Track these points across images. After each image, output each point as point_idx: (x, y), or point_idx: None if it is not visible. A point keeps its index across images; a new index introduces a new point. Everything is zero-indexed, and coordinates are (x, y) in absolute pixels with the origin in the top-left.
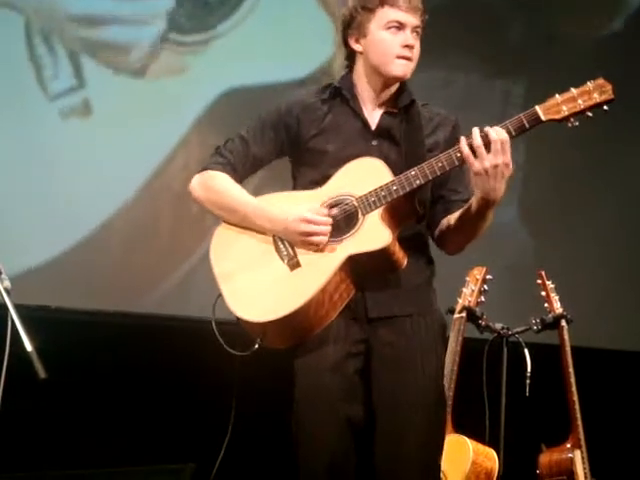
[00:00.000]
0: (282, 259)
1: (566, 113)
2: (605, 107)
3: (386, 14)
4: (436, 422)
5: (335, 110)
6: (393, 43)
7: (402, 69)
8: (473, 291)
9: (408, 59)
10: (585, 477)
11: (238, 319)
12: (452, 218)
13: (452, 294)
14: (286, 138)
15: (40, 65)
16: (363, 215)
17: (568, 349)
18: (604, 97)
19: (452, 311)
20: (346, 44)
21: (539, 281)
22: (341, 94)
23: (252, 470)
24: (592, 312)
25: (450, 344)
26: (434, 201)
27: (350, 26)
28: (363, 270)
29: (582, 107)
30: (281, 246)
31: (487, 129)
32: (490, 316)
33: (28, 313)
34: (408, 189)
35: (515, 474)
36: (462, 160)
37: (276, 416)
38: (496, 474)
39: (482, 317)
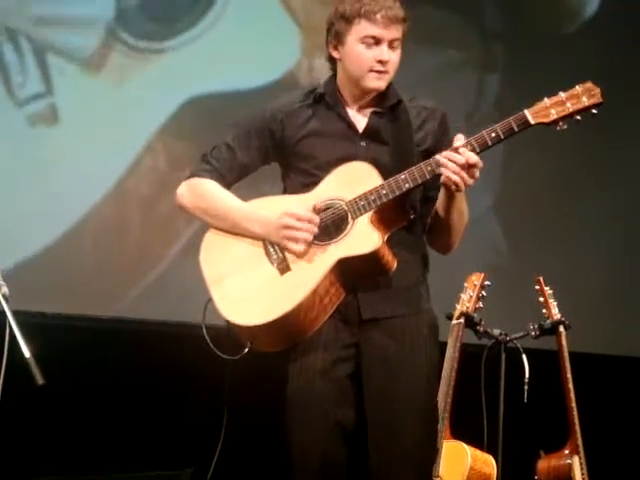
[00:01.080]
0: (272, 263)
1: (555, 117)
2: (594, 110)
3: (363, 28)
4: (428, 423)
5: (319, 114)
6: (368, 57)
7: (375, 83)
8: (471, 297)
9: (382, 73)
10: None
11: (228, 323)
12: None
13: (450, 300)
14: (271, 144)
15: (8, 72)
16: (353, 219)
17: (566, 355)
18: (593, 100)
19: (450, 317)
20: (327, 49)
21: (537, 287)
22: (324, 99)
23: (248, 473)
24: (590, 318)
25: (448, 350)
26: (424, 202)
27: (330, 32)
28: (353, 273)
29: (571, 110)
30: (271, 250)
31: (466, 154)
32: (488, 322)
33: (26, 319)
34: (397, 193)
35: None
36: None
37: (270, 419)
38: None
39: (480, 323)
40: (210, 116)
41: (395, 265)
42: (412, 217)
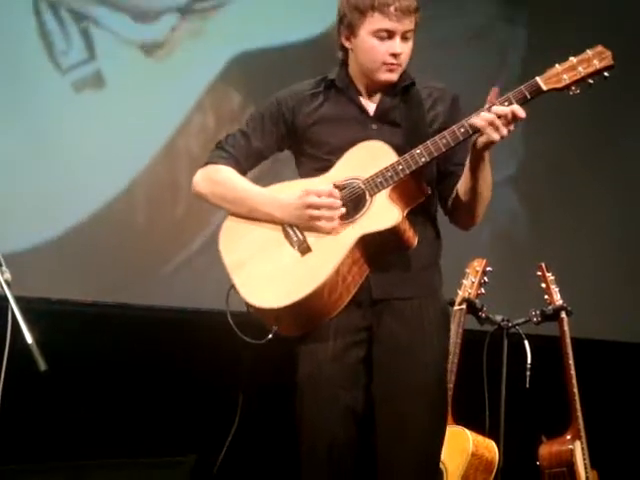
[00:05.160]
0: (292, 245)
1: (567, 81)
2: (605, 73)
3: (376, 21)
4: (436, 409)
5: (331, 100)
6: (380, 51)
7: (387, 76)
8: (473, 283)
9: (394, 65)
10: (585, 468)
11: (252, 308)
12: (458, 187)
13: (452, 286)
14: (284, 130)
15: (51, 41)
16: (371, 196)
17: (568, 341)
18: (604, 63)
19: (452, 303)
20: (339, 38)
21: (539, 273)
22: (335, 85)
23: (254, 459)
24: (592, 304)
25: (451, 336)
26: (442, 177)
27: (342, 22)
28: (375, 250)
29: (583, 74)
30: (291, 232)
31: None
32: (490, 308)
33: (29, 305)
34: (414, 167)
35: (515, 465)
36: (466, 135)
37: (279, 405)
38: (496, 465)
39: (482, 309)
40: (257, 72)
41: (416, 241)
42: (429, 192)
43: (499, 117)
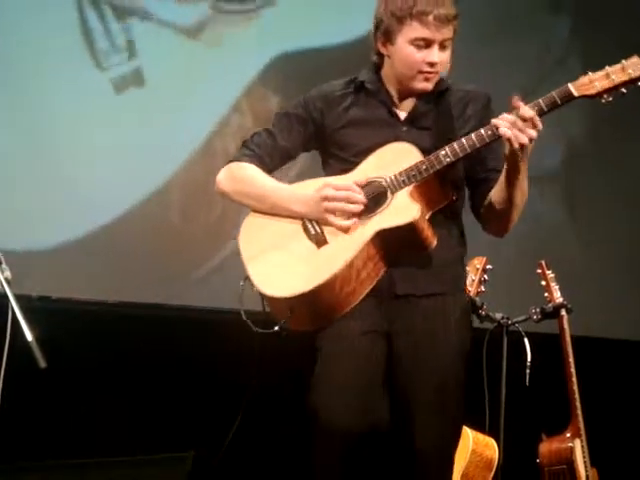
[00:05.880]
0: (310, 238)
1: (599, 89)
2: None
3: (414, 29)
4: (453, 407)
5: (360, 102)
6: (417, 59)
7: (423, 85)
8: (473, 281)
9: (431, 74)
10: (585, 466)
11: (265, 298)
12: (492, 195)
13: None
14: (312, 131)
15: (93, 38)
16: (392, 194)
17: (568, 338)
18: (639, 73)
19: None
20: (375, 43)
21: (539, 271)
22: (365, 87)
23: (255, 455)
24: (592, 301)
25: None
26: (475, 183)
27: (379, 28)
28: (392, 247)
29: (616, 82)
30: (309, 226)
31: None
32: (490, 306)
33: (28, 303)
34: (438, 167)
35: (515, 463)
36: (493, 137)
37: (284, 403)
38: (496, 463)
39: (482, 307)
40: (295, 74)
41: (435, 242)
42: (454, 199)
43: (524, 120)
